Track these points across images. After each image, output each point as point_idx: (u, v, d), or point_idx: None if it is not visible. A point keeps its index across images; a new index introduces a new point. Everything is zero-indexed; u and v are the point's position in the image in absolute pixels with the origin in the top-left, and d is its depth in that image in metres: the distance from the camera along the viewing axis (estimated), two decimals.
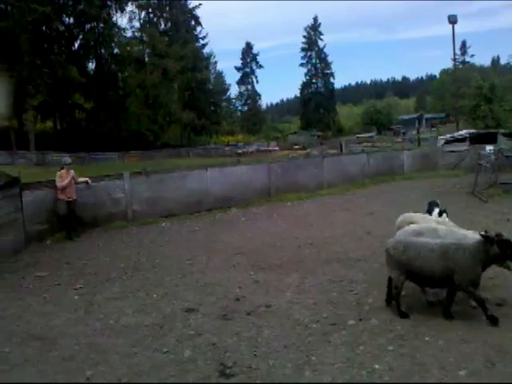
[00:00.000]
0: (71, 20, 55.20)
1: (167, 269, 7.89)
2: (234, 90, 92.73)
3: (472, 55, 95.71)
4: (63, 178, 10.70)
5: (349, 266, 7.42)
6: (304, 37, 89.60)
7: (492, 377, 3.81)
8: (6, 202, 9.64)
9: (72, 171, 10.96)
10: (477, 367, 3.98)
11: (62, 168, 10.93)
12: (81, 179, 11.40)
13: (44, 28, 49.28)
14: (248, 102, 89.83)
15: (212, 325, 5.40)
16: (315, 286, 6.53)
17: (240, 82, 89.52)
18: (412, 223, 6.35)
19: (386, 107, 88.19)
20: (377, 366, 4.12)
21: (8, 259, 8.92)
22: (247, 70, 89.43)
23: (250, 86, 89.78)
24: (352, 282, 6.59)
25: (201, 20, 68.99)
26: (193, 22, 68.92)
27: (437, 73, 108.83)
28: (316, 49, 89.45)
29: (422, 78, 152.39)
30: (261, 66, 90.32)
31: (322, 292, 6.27)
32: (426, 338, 4.61)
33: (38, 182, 11.24)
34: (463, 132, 25.53)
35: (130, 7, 60.50)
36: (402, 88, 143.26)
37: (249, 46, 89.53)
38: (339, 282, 6.64)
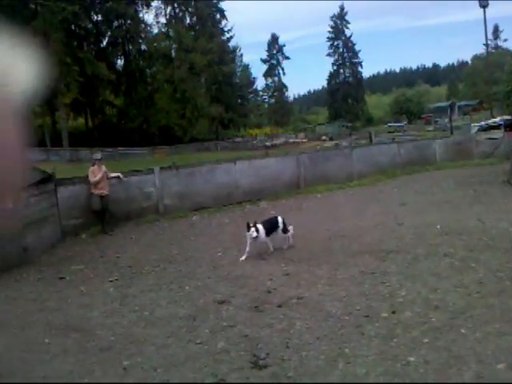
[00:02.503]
0: (99, 17, 56.06)
1: (199, 261, 7.99)
2: (260, 83, 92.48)
3: (505, 39, 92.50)
4: (95, 173, 10.94)
5: (381, 257, 7.32)
6: (330, 26, 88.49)
7: None
8: (42, 198, 9.94)
9: (103, 166, 11.20)
10: None
11: (94, 164, 11.18)
12: (113, 174, 11.64)
13: (73, 26, 50.25)
14: (275, 94, 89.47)
15: (244, 316, 5.44)
16: (347, 278, 6.47)
17: (267, 75, 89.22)
18: None
19: (416, 95, 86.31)
20: (411, 359, 4.06)
21: (45, 253, 9.22)
22: (273, 61, 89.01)
23: (276, 78, 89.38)
24: (384, 273, 6.50)
25: (226, 13, 69.03)
26: (218, 16, 68.99)
27: (468, 59, 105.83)
28: (343, 38, 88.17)
29: (453, 64, 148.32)
30: (287, 58, 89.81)
31: (354, 284, 6.21)
32: (463, 331, 4.51)
33: (72, 177, 11.54)
34: (497, 119, 24.71)
35: (155, 3, 61.02)
36: (432, 75, 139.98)
37: (274, 38, 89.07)
38: (371, 273, 6.57)
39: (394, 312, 5.14)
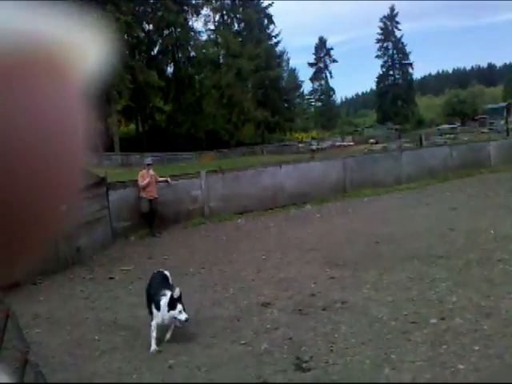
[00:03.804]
0: (150, 27, 57.82)
1: (243, 264, 8.04)
2: (307, 86, 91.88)
3: None
4: (144, 177, 11.26)
5: (430, 262, 7.09)
6: (380, 27, 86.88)
7: None
8: (94, 201, 10.32)
9: (151, 171, 11.49)
10: None
11: (145, 168, 11.51)
12: (161, 178, 11.92)
13: (126, 36, 52.09)
14: (322, 97, 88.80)
15: (288, 319, 5.43)
16: (394, 283, 6.32)
17: (313, 78, 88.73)
18: None
19: (470, 96, 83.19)
20: (461, 366, 3.91)
21: (97, 254, 9.58)
22: (320, 65, 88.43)
23: (323, 82, 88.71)
24: (434, 279, 6.30)
25: (274, 18, 69.26)
26: (265, 21, 69.33)
27: None
28: (393, 39, 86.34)
29: (510, 63, 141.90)
30: (334, 61, 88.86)
31: (401, 289, 6.05)
32: None
33: (123, 181, 11.92)
34: None
35: (205, 11, 62.27)
36: (488, 76, 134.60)
37: (322, 41, 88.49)
38: (419, 279, 6.38)
39: (443, 318, 4.97)
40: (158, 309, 4.94)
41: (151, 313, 5.12)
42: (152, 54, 59.40)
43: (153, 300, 5.06)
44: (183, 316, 4.90)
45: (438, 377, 3.79)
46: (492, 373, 3.75)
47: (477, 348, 4.22)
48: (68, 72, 0.27)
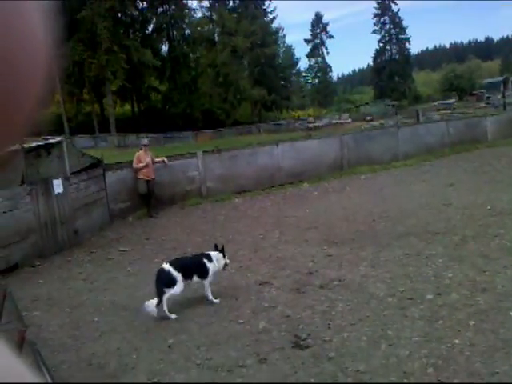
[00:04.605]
0: (144, 4, 56.75)
1: (241, 243, 8.07)
2: (304, 63, 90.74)
3: None
4: (141, 158, 11.20)
5: (427, 239, 7.12)
6: (377, 2, 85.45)
7: None
8: (91, 183, 10.31)
9: (149, 152, 11.42)
10: None
11: (141, 149, 11.45)
12: (158, 159, 11.86)
13: (119, 15, 51.15)
14: (318, 74, 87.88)
15: (286, 297, 5.46)
16: (391, 260, 6.35)
17: (310, 55, 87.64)
18: None
19: (467, 71, 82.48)
20: (457, 341, 3.96)
21: (95, 235, 9.60)
22: (317, 41, 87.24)
23: (320, 58, 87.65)
24: (430, 255, 6.33)
25: None
26: None
27: None
28: (390, 13, 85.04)
29: (507, 37, 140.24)
30: (331, 37, 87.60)
31: (398, 266, 6.09)
32: (511, 313, 4.35)
33: (119, 162, 11.87)
34: None
35: None
36: (485, 50, 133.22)
37: (318, 17, 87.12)
38: (416, 255, 6.41)
39: (439, 294, 5.01)
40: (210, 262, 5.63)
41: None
42: (146, 32, 58.38)
43: (199, 264, 5.58)
44: (227, 260, 5.84)
45: (434, 352, 3.83)
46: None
47: (472, 323, 4.26)
48: None
